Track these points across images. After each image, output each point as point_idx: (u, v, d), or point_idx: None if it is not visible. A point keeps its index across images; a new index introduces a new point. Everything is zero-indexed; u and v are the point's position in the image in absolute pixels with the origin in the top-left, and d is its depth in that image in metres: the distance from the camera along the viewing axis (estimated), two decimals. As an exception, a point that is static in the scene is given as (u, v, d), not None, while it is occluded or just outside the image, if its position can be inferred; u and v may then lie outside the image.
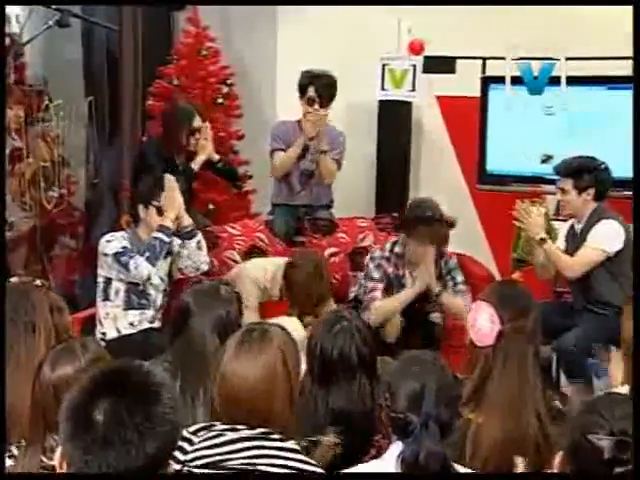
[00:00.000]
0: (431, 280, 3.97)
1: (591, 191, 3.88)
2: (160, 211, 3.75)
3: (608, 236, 3.82)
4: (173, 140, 4.44)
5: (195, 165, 4.45)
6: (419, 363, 1.93)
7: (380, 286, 4.02)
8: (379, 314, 3.94)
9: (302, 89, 4.70)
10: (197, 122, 4.44)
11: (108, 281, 3.74)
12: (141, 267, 3.64)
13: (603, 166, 3.90)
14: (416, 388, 1.85)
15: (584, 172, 3.88)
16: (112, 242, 3.71)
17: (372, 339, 2.39)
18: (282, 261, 4.05)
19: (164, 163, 4.38)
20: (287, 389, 2.01)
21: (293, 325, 3.33)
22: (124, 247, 3.69)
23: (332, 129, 4.84)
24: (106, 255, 3.70)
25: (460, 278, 4.09)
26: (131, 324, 3.74)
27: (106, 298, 3.75)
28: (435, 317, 4.02)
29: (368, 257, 4.16)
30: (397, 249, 4.09)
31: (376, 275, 4.06)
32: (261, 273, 4.06)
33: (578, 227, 3.99)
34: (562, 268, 3.92)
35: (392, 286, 4.06)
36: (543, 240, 3.91)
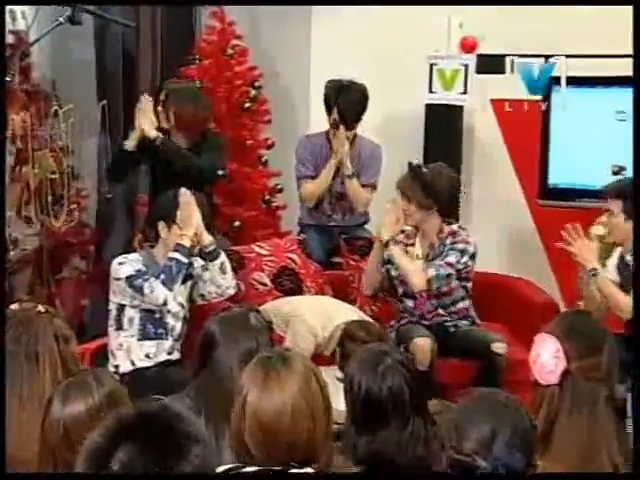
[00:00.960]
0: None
1: None
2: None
3: None
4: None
5: (128, 143, 4.36)
6: (492, 403, 1.90)
7: None
8: (364, 279, 4.35)
9: (327, 105, 4.71)
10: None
11: (121, 308, 3.74)
12: (157, 291, 3.64)
13: None
14: (487, 430, 1.82)
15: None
16: (125, 265, 3.72)
17: (419, 378, 2.36)
18: (342, 316, 4.01)
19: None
20: (326, 412, 2.03)
21: None
22: (138, 270, 3.69)
23: (367, 143, 4.83)
24: (118, 279, 3.71)
25: (452, 259, 4.12)
26: (147, 356, 3.73)
27: (119, 327, 3.75)
28: (497, 347, 3.98)
29: None
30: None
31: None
32: (319, 326, 4.04)
33: (629, 258, 3.90)
34: (617, 308, 3.80)
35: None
36: (595, 271, 3.83)
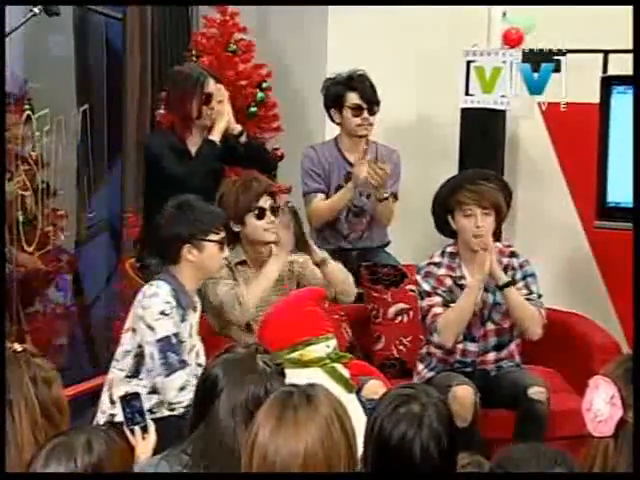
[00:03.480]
0: (492, 267, 4.14)
1: None
2: (222, 245, 3.80)
3: None
4: (181, 118, 4.60)
5: (215, 136, 4.56)
6: (536, 457, 1.96)
7: (437, 299, 4.21)
8: (447, 329, 4.16)
9: (334, 97, 4.89)
10: (211, 86, 4.59)
11: (142, 356, 3.74)
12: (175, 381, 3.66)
13: None
14: None
15: None
16: (163, 319, 3.66)
17: (450, 437, 2.38)
18: None
19: (174, 156, 4.51)
20: (347, 463, 2.09)
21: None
22: (176, 334, 3.67)
23: (383, 149, 4.98)
24: (150, 329, 3.67)
25: (535, 288, 4.27)
26: (150, 410, 3.76)
27: (136, 374, 3.75)
28: (534, 393, 4.04)
29: (416, 273, 4.34)
30: (449, 248, 4.32)
31: (426, 287, 4.24)
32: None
33: None
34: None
35: (453, 294, 4.24)
36: None
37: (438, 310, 4.20)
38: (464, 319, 4.17)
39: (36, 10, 4.87)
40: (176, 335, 3.68)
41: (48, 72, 5.35)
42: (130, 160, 5.09)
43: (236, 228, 4.22)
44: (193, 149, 4.63)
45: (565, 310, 4.85)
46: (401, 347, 4.69)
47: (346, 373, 4.03)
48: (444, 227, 4.32)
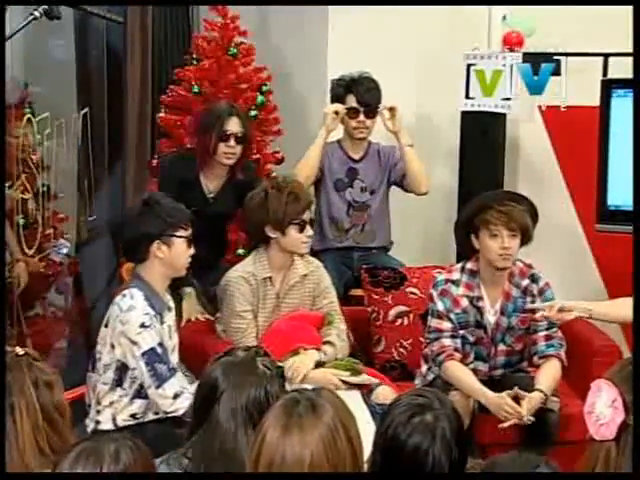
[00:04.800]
0: None
1: None
2: (189, 242, 3.79)
3: None
4: (199, 150, 4.62)
5: None
6: (518, 463, 1.95)
7: (447, 326, 4.12)
8: (449, 379, 4.08)
9: (336, 99, 4.95)
10: (233, 125, 4.58)
11: (124, 367, 3.73)
12: (170, 390, 3.64)
13: None
14: None
15: None
16: (145, 332, 3.63)
17: (461, 448, 2.34)
18: None
19: (181, 185, 4.51)
20: (354, 470, 2.10)
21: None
22: (160, 344, 3.66)
23: (379, 147, 5.02)
24: (134, 343, 3.64)
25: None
26: (133, 416, 3.76)
27: (119, 384, 3.74)
28: (549, 401, 4.02)
29: (432, 286, 4.26)
30: (469, 265, 4.20)
31: (440, 307, 4.15)
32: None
33: None
34: None
35: (467, 314, 4.16)
36: None
37: (447, 342, 4.10)
38: (463, 390, 4.06)
39: (37, 14, 4.87)
40: (160, 345, 3.67)
41: (49, 75, 5.36)
42: (130, 163, 5.09)
43: (273, 235, 4.19)
44: (208, 183, 4.66)
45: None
46: (401, 349, 4.69)
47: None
48: (465, 245, 4.21)
